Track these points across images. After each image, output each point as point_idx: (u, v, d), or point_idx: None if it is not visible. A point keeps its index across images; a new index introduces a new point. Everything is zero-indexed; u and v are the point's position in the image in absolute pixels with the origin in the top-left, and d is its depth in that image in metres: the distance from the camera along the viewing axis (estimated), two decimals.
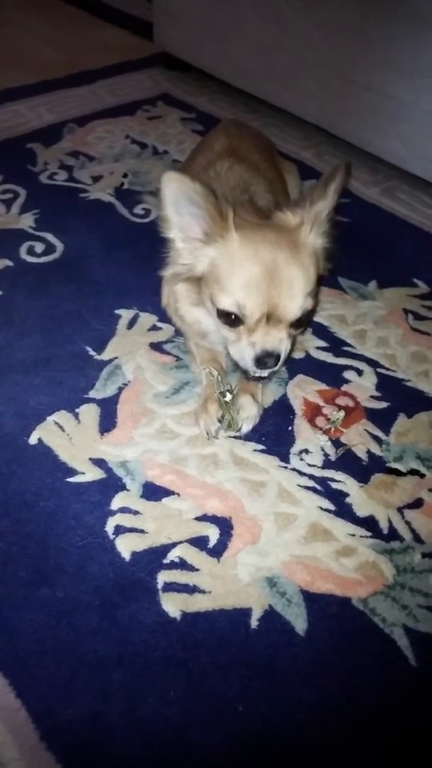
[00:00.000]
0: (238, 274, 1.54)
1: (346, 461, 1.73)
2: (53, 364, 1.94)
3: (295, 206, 1.66)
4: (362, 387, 1.93)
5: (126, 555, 1.50)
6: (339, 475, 1.69)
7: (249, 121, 3.08)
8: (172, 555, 1.51)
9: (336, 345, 2.06)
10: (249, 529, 1.56)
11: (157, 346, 2.00)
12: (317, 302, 1.72)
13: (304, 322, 1.63)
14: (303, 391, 1.90)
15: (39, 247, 2.37)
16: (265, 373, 1.62)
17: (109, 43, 4.05)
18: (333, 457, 1.73)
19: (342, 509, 1.62)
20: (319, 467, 1.71)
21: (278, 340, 1.56)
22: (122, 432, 1.76)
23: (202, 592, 1.44)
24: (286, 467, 1.70)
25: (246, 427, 1.74)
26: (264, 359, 1.57)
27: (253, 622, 1.40)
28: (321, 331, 2.11)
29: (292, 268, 1.53)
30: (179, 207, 1.57)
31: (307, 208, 1.62)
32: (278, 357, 1.57)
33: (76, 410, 1.80)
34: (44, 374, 1.90)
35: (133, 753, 1.23)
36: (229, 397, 1.73)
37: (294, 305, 1.53)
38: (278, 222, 1.65)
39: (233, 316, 1.55)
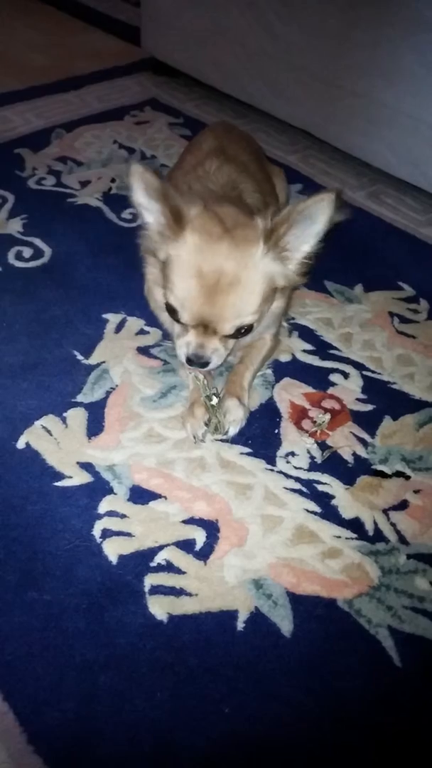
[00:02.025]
0: (181, 281, 1.58)
1: (332, 463, 1.74)
2: (41, 368, 1.94)
3: (268, 217, 1.60)
4: (348, 390, 1.95)
5: (113, 558, 1.51)
6: (325, 478, 1.70)
7: (236, 125, 3.10)
8: (159, 558, 1.51)
9: (322, 348, 2.08)
10: (235, 531, 1.57)
11: (144, 351, 2.01)
12: (272, 303, 1.73)
13: (246, 333, 1.65)
14: (289, 394, 1.92)
15: (27, 252, 2.37)
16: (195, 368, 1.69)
17: (97, 49, 4.06)
18: (319, 460, 1.75)
19: (328, 511, 1.63)
20: (305, 470, 1.72)
21: (210, 350, 1.63)
22: (110, 436, 1.76)
23: (189, 594, 1.45)
24: (272, 470, 1.71)
25: (233, 431, 1.75)
26: (192, 360, 1.65)
27: (240, 625, 1.41)
28: (307, 335, 2.12)
29: (230, 294, 1.55)
30: (147, 196, 1.60)
31: (270, 225, 1.57)
32: (207, 362, 1.64)
33: (64, 414, 1.81)
34: (32, 378, 1.91)
35: (120, 755, 1.23)
36: (215, 400, 1.74)
37: (226, 325, 1.59)
38: (245, 230, 1.60)
39: (176, 313, 1.62)
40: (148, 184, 1.56)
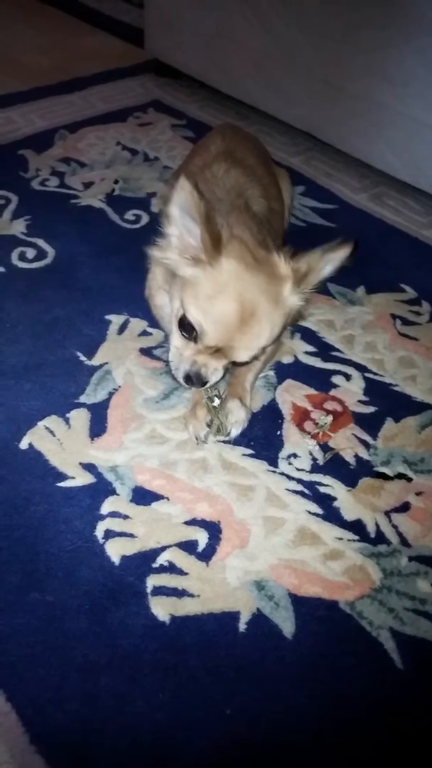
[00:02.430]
0: (216, 305, 1.57)
1: (334, 465, 1.75)
2: (44, 369, 1.95)
3: (293, 259, 1.65)
4: (350, 391, 1.95)
5: (115, 559, 1.51)
6: (327, 479, 1.71)
7: (239, 126, 3.11)
8: (162, 559, 1.52)
9: (324, 350, 2.08)
10: (238, 533, 1.58)
11: (147, 352, 2.02)
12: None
13: (249, 361, 1.69)
14: (291, 395, 1.92)
15: (30, 253, 2.38)
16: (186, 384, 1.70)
17: (101, 50, 4.07)
18: (321, 462, 1.75)
19: (330, 513, 1.64)
20: (307, 471, 1.73)
21: (213, 370, 1.65)
22: (112, 437, 1.77)
23: (191, 595, 1.46)
24: (274, 471, 1.72)
25: (235, 432, 1.76)
26: (192, 379, 1.66)
27: (242, 626, 1.41)
28: (309, 336, 2.13)
29: (263, 323, 1.58)
30: (183, 213, 1.59)
31: (302, 268, 1.63)
32: (204, 382, 1.66)
33: (67, 415, 1.81)
34: (35, 379, 1.91)
35: (122, 756, 1.24)
36: (217, 401, 1.75)
37: (246, 354, 1.63)
38: (271, 265, 1.64)
39: (193, 332, 1.61)
40: (193, 205, 1.53)
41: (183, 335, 1.65)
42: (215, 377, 1.67)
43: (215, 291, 1.57)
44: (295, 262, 1.63)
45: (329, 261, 1.66)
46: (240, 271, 1.58)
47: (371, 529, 1.61)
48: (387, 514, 1.65)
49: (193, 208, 1.53)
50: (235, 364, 1.70)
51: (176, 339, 1.69)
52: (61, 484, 1.65)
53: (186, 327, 1.63)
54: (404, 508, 1.66)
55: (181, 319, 1.63)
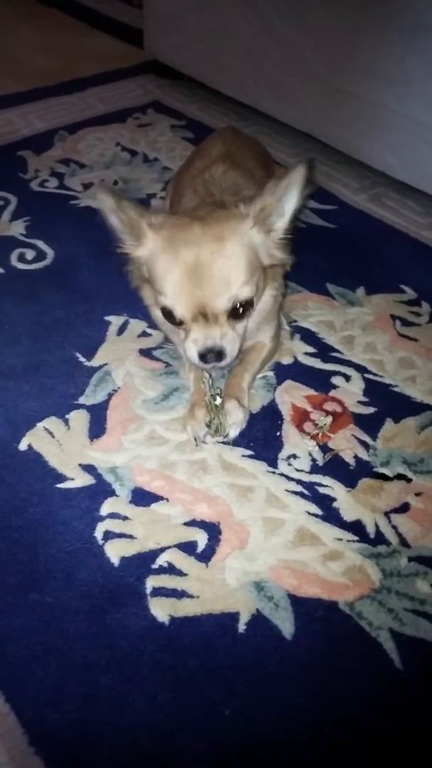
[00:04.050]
0: (164, 277, 1.60)
1: (334, 466, 1.74)
2: (43, 370, 1.95)
3: (249, 203, 1.68)
4: (350, 392, 1.95)
5: (115, 560, 1.51)
6: (326, 480, 1.71)
7: (238, 128, 3.11)
8: (161, 560, 1.52)
9: (324, 351, 2.08)
10: (237, 534, 1.58)
11: (146, 353, 2.02)
12: (264, 287, 1.75)
13: (247, 309, 1.64)
14: (291, 396, 1.92)
15: (29, 254, 2.38)
16: (212, 366, 1.66)
17: (100, 51, 4.07)
18: (321, 462, 1.75)
19: (329, 514, 1.64)
20: (306, 472, 1.72)
21: (218, 335, 1.60)
22: (111, 438, 1.77)
23: (191, 596, 1.46)
24: (274, 472, 1.71)
25: (233, 433, 1.76)
26: (207, 355, 1.61)
27: (241, 627, 1.41)
28: (309, 337, 2.13)
29: (215, 265, 1.56)
30: (111, 214, 1.67)
31: (258, 205, 1.64)
32: (220, 352, 1.61)
33: (66, 416, 1.81)
34: (34, 380, 1.91)
35: (120, 757, 1.24)
36: (219, 400, 1.75)
37: (221, 301, 1.58)
38: (217, 216, 1.67)
39: (173, 315, 1.62)
40: (106, 204, 1.65)
41: (175, 327, 1.68)
42: (229, 344, 1.61)
43: (158, 266, 1.61)
44: (250, 204, 1.66)
45: (286, 189, 1.65)
46: (168, 236, 1.62)
47: (371, 529, 1.61)
48: (386, 514, 1.64)
49: (107, 207, 1.65)
50: (236, 317, 1.62)
51: (177, 334, 1.71)
52: (61, 486, 1.65)
53: (168, 317, 1.65)
54: (404, 508, 1.66)
55: (162, 313, 1.67)
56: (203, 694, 1.31)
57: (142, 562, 1.51)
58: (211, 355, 1.61)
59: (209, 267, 1.55)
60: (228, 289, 1.57)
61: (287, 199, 1.67)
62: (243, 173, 2.03)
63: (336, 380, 1.98)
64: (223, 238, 1.59)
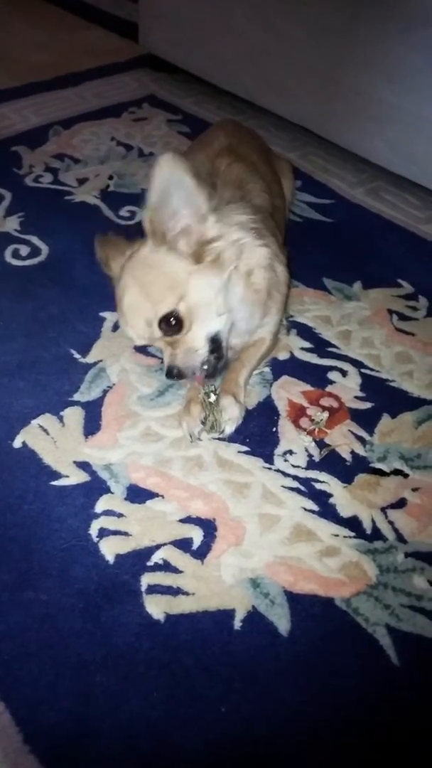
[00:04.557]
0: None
1: (330, 462, 1.74)
2: (38, 367, 1.94)
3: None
4: (346, 388, 1.94)
5: (110, 558, 1.50)
6: (323, 476, 1.70)
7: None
8: (156, 557, 1.51)
9: (320, 346, 2.07)
10: (233, 530, 1.57)
11: (141, 349, 2.00)
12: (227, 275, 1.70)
13: (177, 325, 1.64)
14: (287, 392, 1.91)
15: (24, 250, 2.37)
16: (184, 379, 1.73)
17: (95, 45, 4.05)
18: (317, 458, 1.74)
19: (325, 510, 1.63)
20: (303, 468, 1.71)
21: (168, 356, 1.69)
22: (106, 435, 1.76)
23: (186, 593, 1.45)
24: (270, 468, 1.71)
25: (229, 429, 1.75)
26: (171, 375, 1.69)
27: (237, 624, 1.40)
28: (305, 332, 2.12)
29: (124, 301, 1.68)
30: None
31: (148, 226, 1.63)
32: (175, 370, 1.67)
33: (61, 413, 1.80)
34: (29, 377, 1.90)
35: (116, 755, 1.23)
36: (213, 398, 1.74)
37: (139, 328, 1.68)
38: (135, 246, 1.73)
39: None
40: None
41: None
42: (180, 357, 1.66)
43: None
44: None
45: (155, 191, 1.55)
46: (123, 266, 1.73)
47: (367, 525, 1.60)
48: (383, 510, 1.64)
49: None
50: (177, 328, 1.64)
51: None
52: (55, 483, 1.64)
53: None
54: (400, 504, 1.65)
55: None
56: (199, 692, 1.31)
57: (138, 560, 1.50)
58: (173, 373, 1.68)
59: (121, 303, 1.69)
60: (139, 317, 1.66)
61: (170, 197, 1.56)
62: (247, 166, 2.02)
63: (332, 375, 1.97)
64: (124, 274, 1.68)
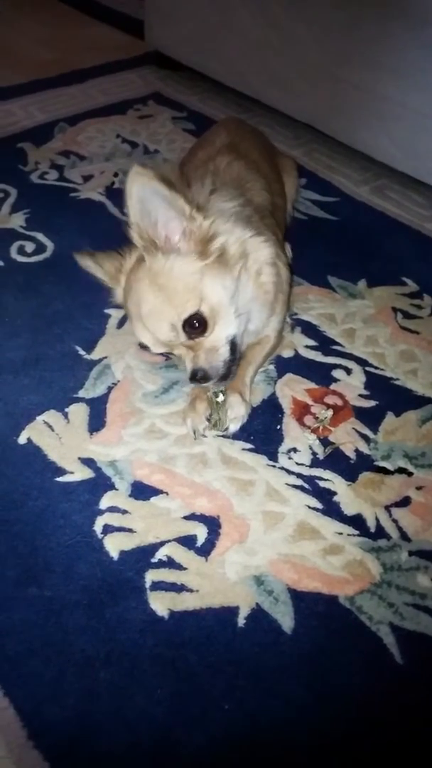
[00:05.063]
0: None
1: (334, 460, 1.74)
2: (43, 363, 1.94)
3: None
4: (351, 386, 1.94)
5: (114, 554, 1.50)
6: (327, 474, 1.70)
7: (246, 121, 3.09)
8: (160, 554, 1.51)
9: (325, 344, 2.07)
10: (237, 527, 1.57)
11: (146, 346, 2.00)
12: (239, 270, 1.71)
13: (201, 325, 1.63)
14: (292, 389, 1.91)
15: (29, 247, 2.37)
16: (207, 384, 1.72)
17: (101, 42, 4.05)
18: (321, 456, 1.74)
19: (330, 508, 1.63)
20: (307, 466, 1.71)
21: (191, 360, 1.68)
22: (111, 431, 1.76)
23: (190, 590, 1.45)
24: (274, 466, 1.71)
25: (233, 427, 1.75)
26: (195, 378, 1.68)
27: (241, 621, 1.41)
28: (310, 330, 2.12)
29: (143, 308, 1.66)
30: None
31: (139, 241, 1.65)
32: (201, 372, 1.66)
33: (66, 410, 1.81)
34: (34, 374, 1.91)
35: (120, 751, 1.23)
36: (221, 397, 1.74)
37: (163, 333, 1.66)
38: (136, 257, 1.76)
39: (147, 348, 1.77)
40: (84, 265, 1.83)
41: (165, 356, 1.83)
42: (203, 359, 1.66)
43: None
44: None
45: (133, 202, 1.56)
46: (125, 287, 1.77)
47: (371, 523, 1.60)
48: (387, 508, 1.64)
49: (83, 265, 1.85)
50: (201, 329, 1.64)
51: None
52: (60, 479, 1.64)
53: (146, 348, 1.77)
54: (404, 502, 1.65)
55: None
56: (203, 689, 1.31)
57: (142, 556, 1.51)
58: (199, 376, 1.67)
59: (139, 311, 1.67)
60: (163, 321, 1.64)
61: (149, 208, 1.57)
62: (247, 164, 2.02)
63: (337, 373, 1.97)
64: (135, 285, 1.68)
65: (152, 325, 1.66)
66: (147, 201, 1.55)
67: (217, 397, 1.74)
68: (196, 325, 1.62)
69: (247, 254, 1.71)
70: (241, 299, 1.70)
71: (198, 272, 1.62)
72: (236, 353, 1.71)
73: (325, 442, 1.78)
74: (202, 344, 1.66)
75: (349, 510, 1.63)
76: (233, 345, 1.69)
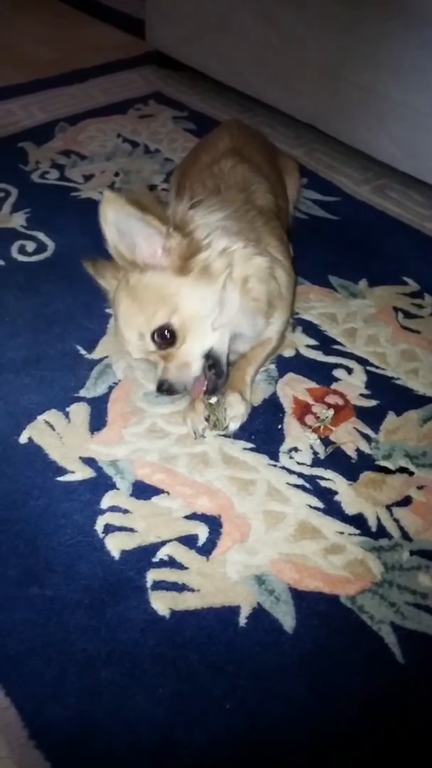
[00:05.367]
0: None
1: (336, 459, 1.73)
2: (44, 363, 1.94)
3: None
4: (352, 385, 1.94)
5: (115, 554, 1.50)
6: (328, 473, 1.70)
7: (241, 119, 3.08)
8: (162, 553, 1.51)
9: (326, 343, 2.07)
10: (238, 527, 1.57)
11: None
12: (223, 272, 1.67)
13: (171, 338, 1.63)
14: (293, 389, 1.91)
15: (30, 246, 2.37)
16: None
17: (102, 42, 4.05)
18: (322, 456, 1.74)
19: (331, 507, 1.63)
20: (308, 465, 1.71)
21: (160, 370, 1.69)
22: (112, 431, 1.76)
23: (191, 590, 1.45)
24: (275, 465, 1.71)
25: (233, 426, 1.75)
26: (161, 389, 1.69)
27: (242, 620, 1.41)
28: (311, 330, 2.12)
29: (119, 319, 1.68)
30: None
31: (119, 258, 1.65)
32: (166, 384, 1.67)
33: (67, 409, 1.81)
34: (35, 373, 1.91)
35: (121, 751, 1.23)
36: (213, 399, 1.73)
37: (132, 345, 1.68)
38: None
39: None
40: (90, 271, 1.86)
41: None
42: (185, 373, 1.66)
43: None
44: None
45: (109, 227, 1.59)
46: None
47: (372, 523, 1.60)
48: (388, 508, 1.64)
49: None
50: (171, 341, 1.63)
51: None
52: (61, 479, 1.64)
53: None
54: (406, 502, 1.65)
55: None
56: (204, 688, 1.31)
57: (143, 556, 1.51)
58: (164, 388, 1.68)
59: (116, 317, 1.70)
60: (133, 330, 1.65)
61: (124, 232, 1.59)
62: (251, 167, 2.02)
63: (338, 373, 1.97)
64: (117, 291, 1.70)
65: (125, 333, 1.68)
66: (122, 224, 1.57)
67: (209, 398, 1.74)
68: (166, 336, 1.62)
69: (233, 265, 1.68)
70: (227, 311, 1.67)
71: (175, 284, 1.62)
72: (220, 368, 1.69)
73: (326, 441, 1.78)
74: (174, 355, 1.65)
75: (350, 509, 1.63)
76: (214, 360, 1.67)
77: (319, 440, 1.78)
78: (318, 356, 2.02)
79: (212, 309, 1.65)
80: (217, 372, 1.68)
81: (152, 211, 1.57)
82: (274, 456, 1.73)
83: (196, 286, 1.63)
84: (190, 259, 1.61)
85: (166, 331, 1.62)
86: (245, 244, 1.71)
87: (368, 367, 1.99)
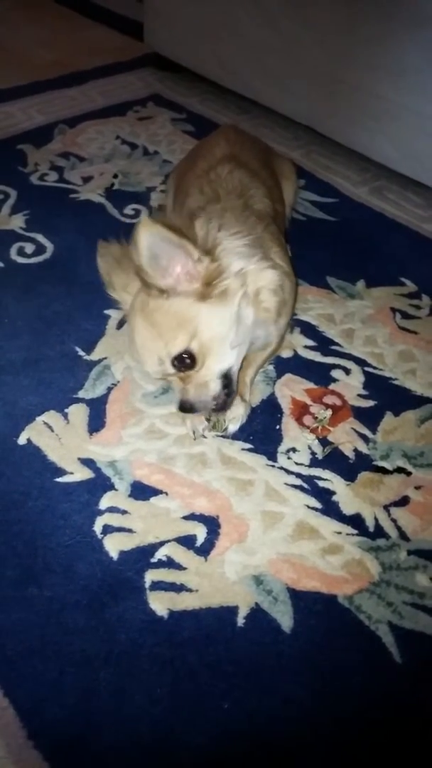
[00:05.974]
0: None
1: (333, 460, 1.74)
2: (43, 364, 1.95)
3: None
4: (350, 386, 1.94)
5: (114, 554, 1.51)
6: (326, 474, 1.70)
7: (240, 121, 3.11)
8: (160, 554, 1.52)
9: (324, 344, 2.07)
10: (236, 527, 1.57)
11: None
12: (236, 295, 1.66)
13: (192, 360, 1.61)
14: (291, 389, 1.92)
15: (29, 248, 2.38)
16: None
17: (100, 44, 4.05)
18: (320, 456, 1.74)
19: (329, 507, 1.63)
20: (306, 466, 1.72)
21: (180, 391, 1.68)
22: (111, 432, 1.77)
23: (189, 590, 1.45)
24: (273, 466, 1.71)
25: (233, 428, 1.75)
26: (184, 410, 1.68)
27: (240, 620, 1.41)
28: (309, 330, 2.12)
29: (137, 342, 1.66)
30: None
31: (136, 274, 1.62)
32: (188, 404, 1.65)
33: (65, 410, 1.81)
34: (34, 375, 1.91)
35: (119, 751, 1.24)
36: None
37: (153, 368, 1.65)
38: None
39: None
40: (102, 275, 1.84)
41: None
42: (193, 392, 1.64)
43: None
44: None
45: (138, 253, 1.54)
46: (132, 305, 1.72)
47: (370, 523, 1.61)
48: (386, 508, 1.64)
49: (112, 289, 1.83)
50: (190, 364, 1.62)
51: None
52: (60, 480, 1.65)
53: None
54: (403, 502, 1.66)
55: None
56: (202, 688, 1.31)
57: (141, 556, 1.51)
58: (188, 407, 1.67)
59: (134, 342, 1.68)
60: (153, 355, 1.63)
61: (158, 258, 1.54)
62: (248, 173, 2.03)
63: (336, 373, 1.98)
64: (133, 313, 1.68)
65: (143, 358, 1.67)
66: (156, 251, 1.53)
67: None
68: (186, 361, 1.61)
69: (247, 282, 1.68)
70: (243, 327, 1.67)
71: (194, 308, 1.60)
72: (231, 387, 1.68)
73: (324, 442, 1.78)
74: (192, 377, 1.64)
75: (348, 509, 1.63)
76: (228, 380, 1.67)
77: (317, 440, 1.78)
78: (316, 357, 2.03)
79: (230, 328, 1.64)
80: (229, 391, 1.68)
81: (188, 236, 1.56)
82: (272, 456, 1.74)
83: (213, 309, 1.61)
84: (212, 284, 1.60)
85: (186, 356, 1.61)
86: (257, 260, 1.71)
87: (366, 368, 2.00)
